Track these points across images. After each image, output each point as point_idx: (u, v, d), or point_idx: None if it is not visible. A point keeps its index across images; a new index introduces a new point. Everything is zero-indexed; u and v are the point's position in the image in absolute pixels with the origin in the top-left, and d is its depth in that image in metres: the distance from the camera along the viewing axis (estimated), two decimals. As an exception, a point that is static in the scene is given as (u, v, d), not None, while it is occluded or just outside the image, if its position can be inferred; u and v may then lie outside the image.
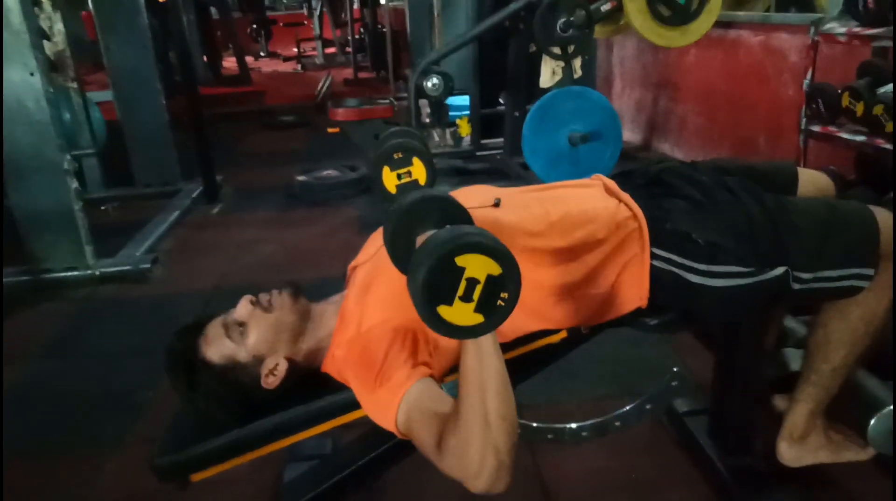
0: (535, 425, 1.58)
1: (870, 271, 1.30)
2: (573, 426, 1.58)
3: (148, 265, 3.18)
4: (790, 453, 1.48)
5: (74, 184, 3.03)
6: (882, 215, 1.33)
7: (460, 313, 0.91)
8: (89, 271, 3.11)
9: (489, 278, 0.90)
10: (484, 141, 4.81)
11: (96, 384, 2.30)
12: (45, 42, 3.65)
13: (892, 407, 1.41)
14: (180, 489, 1.31)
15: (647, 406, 1.56)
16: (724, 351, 1.57)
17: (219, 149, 4.65)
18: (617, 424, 1.58)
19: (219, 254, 3.48)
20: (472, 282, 0.90)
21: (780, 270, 1.27)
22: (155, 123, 4.34)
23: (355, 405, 1.28)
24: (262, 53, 13.07)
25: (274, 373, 1.28)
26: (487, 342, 1.00)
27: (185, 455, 1.29)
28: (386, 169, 1.52)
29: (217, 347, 1.26)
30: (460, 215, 1.08)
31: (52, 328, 2.74)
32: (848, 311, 1.35)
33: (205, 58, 9.32)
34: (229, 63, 10.36)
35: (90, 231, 3.13)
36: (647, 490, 1.65)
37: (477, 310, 0.91)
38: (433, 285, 0.89)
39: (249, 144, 6.23)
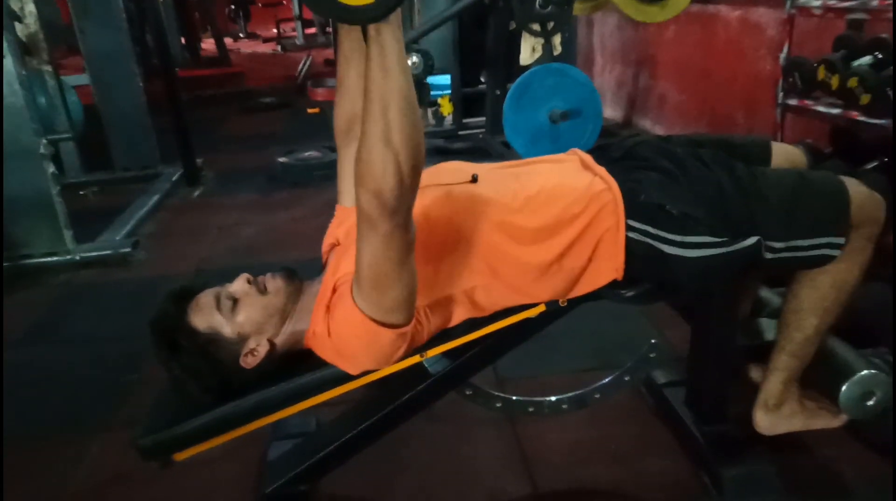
0: (514, 398, 1.60)
1: (840, 241, 1.32)
2: (552, 399, 1.60)
3: (129, 250, 3.17)
4: (765, 421, 1.52)
5: (51, 168, 3.00)
6: (853, 185, 1.35)
7: None
8: (69, 257, 3.08)
9: None
10: (466, 120, 4.80)
11: (78, 368, 2.29)
12: (17, 24, 3.58)
13: (862, 373, 1.44)
14: (164, 468, 1.32)
15: (626, 378, 1.59)
16: (699, 321, 1.60)
17: (199, 132, 4.61)
18: (596, 396, 1.60)
19: (200, 237, 3.46)
20: None
21: (752, 239, 1.29)
22: (132, 106, 4.29)
23: (337, 381, 1.30)
24: (241, 35, 12.92)
25: (254, 354, 1.29)
26: (392, 53, 0.97)
27: (169, 434, 1.30)
28: None
29: (205, 316, 1.27)
30: None
31: (32, 314, 2.72)
32: (819, 280, 1.38)
33: (182, 40, 9.21)
34: (208, 45, 10.23)
35: (69, 216, 3.11)
36: (626, 459, 1.68)
37: None
38: None
39: (230, 127, 6.17)
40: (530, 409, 1.62)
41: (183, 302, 1.30)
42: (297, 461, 1.50)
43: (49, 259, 3.07)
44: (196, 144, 4.30)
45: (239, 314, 1.28)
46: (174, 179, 4.23)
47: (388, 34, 0.96)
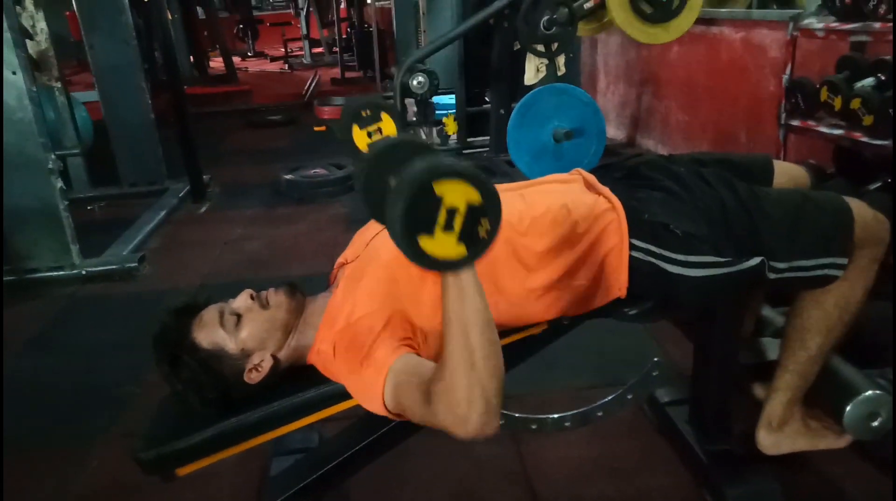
0: (517, 415, 1.59)
1: (844, 261, 1.32)
2: (555, 416, 1.60)
3: (135, 264, 3.18)
4: (769, 440, 1.51)
5: (59, 183, 3.02)
6: (857, 205, 1.36)
7: (442, 243, 0.88)
8: (75, 271, 3.10)
9: (469, 207, 0.87)
10: (470, 139, 4.83)
11: (81, 379, 2.30)
12: (28, 41, 3.63)
13: (867, 393, 1.44)
14: (165, 482, 1.31)
15: (629, 396, 1.58)
16: (702, 339, 1.60)
17: (206, 148, 4.65)
18: (599, 413, 1.60)
19: (206, 252, 3.48)
20: (452, 211, 0.87)
21: (755, 260, 1.29)
22: (140, 122, 4.32)
23: (340, 397, 1.29)
24: (248, 53, 13.03)
25: (258, 369, 1.29)
26: (469, 281, 0.97)
27: (171, 448, 1.29)
28: (356, 128, 1.49)
29: (208, 332, 1.27)
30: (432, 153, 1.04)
31: (36, 326, 2.73)
32: (823, 299, 1.38)
33: (191, 57, 9.30)
34: (216, 63, 10.33)
35: (76, 230, 3.13)
36: (629, 477, 1.67)
37: (460, 240, 0.88)
38: (412, 213, 0.86)
39: (237, 143, 6.22)
40: (533, 426, 1.61)
41: (186, 318, 1.31)
42: (299, 476, 1.49)
43: (55, 273, 3.09)
44: (203, 159, 4.33)
45: (243, 330, 1.28)
46: (181, 194, 4.26)
47: (466, 267, 0.97)
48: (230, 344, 1.27)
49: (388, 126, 1.49)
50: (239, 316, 1.29)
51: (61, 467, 1.85)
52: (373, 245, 1.34)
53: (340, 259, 1.48)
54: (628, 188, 1.38)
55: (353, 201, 4.14)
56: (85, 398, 2.18)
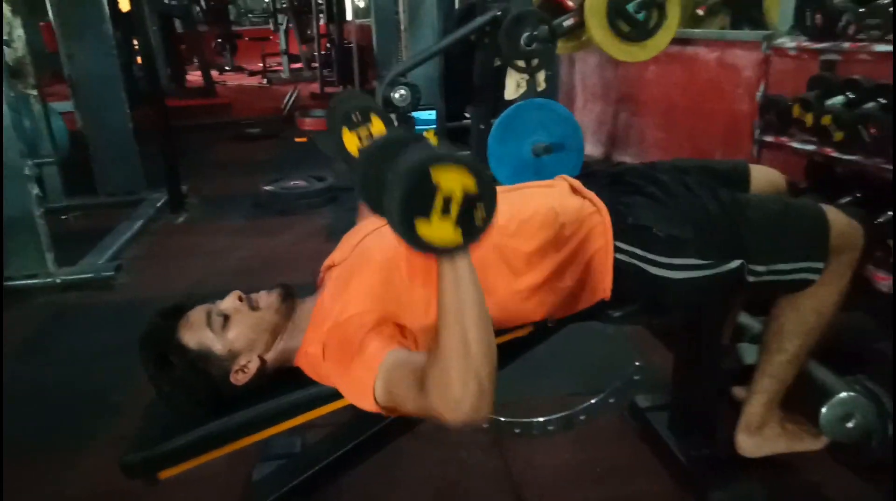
0: (502, 419, 1.60)
1: (820, 265, 1.36)
2: (540, 420, 1.61)
3: (111, 273, 3.14)
4: (748, 443, 1.53)
5: (35, 190, 2.99)
6: (832, 212, 1.40)
7: (439, 229, 0.90)
8: (50, 279, 3.05)
9: (466, 193, 0.90)
10: (450, 153, 4.86)
11: (62, 388, 2.26)
12: (5, 48, 3.59)
13: (842, 395, 1.48)
14: (149, 486, 1.30)
15: (611, 400, 1.61)
16: (685, 345, 1.62)
17: (185, 160, 4.62)
18: (582, 417, 1.62)
19: (184, 262, 3.44)
20: (449, 198, 0.89)
21: (735, 262, 1.32)
22: (118, 132, 4.30)
23: (325, 399, 1.29)
24: (227, 67, 12.98)
25: (244, 370, 1.28)
26: (464, 269, 0.99)
27: (154, 451, 1.28)
28: (345, 131, 1.43)
29: (195, 333, 1.27)
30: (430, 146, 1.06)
31: (14, 335, 2.68)
32: (800, 303, 1.41)
33: (168, 70, 9.25)
34: (194, 76, 10.28)
35: (51, 239, 3.08)
36: (613, 483, 1.68)
37: (456, 226, 0.90)
38: (410, 198, 0.87)
39: (215, 156, 6.18)
40: (517, 430, 1.62)
41: (173, 319, 1.30)
42: (283, 481, 1.48)
43: (30, 281, 3.04)
44: (181, 171, 4.29)
45: (230, 331, 1.28)
46: (158, 204, 4.22)
47: (461, 253, 0.98)
48: (217, 345, 1.27)
49: (377, 128, 1.46)
50: (226, 317, 1.29)
51: (46, 474, 1.82)
52: (364, 246, 1.35)
53: (328, 262, 1.48)
54: (613, 194, 1.41)
55: (334, 212, 4.14)
56: (67, 406, 2.15)
